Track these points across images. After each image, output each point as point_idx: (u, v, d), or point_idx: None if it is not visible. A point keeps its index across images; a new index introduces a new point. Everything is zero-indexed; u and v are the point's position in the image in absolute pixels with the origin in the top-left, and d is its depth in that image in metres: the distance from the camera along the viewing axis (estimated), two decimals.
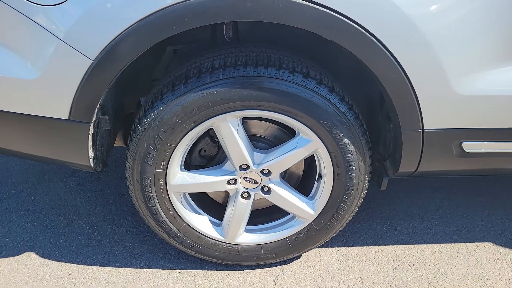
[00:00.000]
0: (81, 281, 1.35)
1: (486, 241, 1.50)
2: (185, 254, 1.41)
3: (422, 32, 0.97)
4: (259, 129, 1.23)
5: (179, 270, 1.39)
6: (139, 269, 1.40)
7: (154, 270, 1.39)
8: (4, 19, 0.98)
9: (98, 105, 1.04)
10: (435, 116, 1.09)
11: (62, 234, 1.54)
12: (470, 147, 1.17)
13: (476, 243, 1.49)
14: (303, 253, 1.40)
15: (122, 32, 0.93)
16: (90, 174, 1.83)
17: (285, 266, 1.40)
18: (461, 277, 1.36)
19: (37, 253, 1.45)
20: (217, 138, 1.21)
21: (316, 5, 0.92)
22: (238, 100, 1.04)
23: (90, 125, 1.08)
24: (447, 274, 1.37)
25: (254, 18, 0.92)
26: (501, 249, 1.47)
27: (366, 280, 1.35)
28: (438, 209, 1.65)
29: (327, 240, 1.35)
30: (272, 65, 1.04)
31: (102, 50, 0.96)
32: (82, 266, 1.41)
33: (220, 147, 1.24)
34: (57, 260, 1.43)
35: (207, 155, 1.27)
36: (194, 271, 1.38)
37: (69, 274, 1.37)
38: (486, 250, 1.46)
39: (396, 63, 1.00)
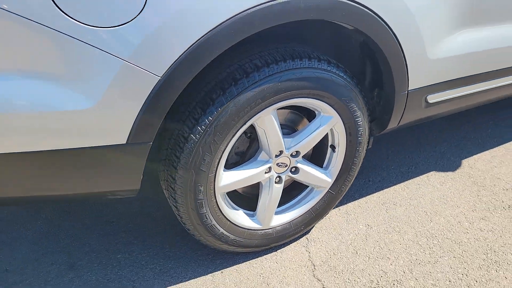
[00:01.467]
0: None
1: (431, 171, 1.93)
2: (217, 256, 1.45)
3: (409, 7, 1.23)
4: (281, 116, 1.35)
5: (220, 271, 1.42)
6: (180, 283, 1.38)
7: (195, 279, 1.39)
8: (51, 46, 0.87)
9: (162, 121, 1.02)
10: (415, 78, 1.39)
11: (71, 280, 1.38)
12: (432, 98, 1.51)
13: (425, 174, 1.91)
14: (323, 218, 1.58)
15: (197, 41, 0.94)
16: (52, 213, 1.64)
17: (307, 236, 1.56)
18: (431, 202, 1.74)
19: None
20: (249, 134, 1.29)
21: (359, 5, 1.10)
22: (284, 91, 1.15)
23: (150, 145, 1.04)
24: (421, 202, 1.74)
25: (306, 17, 1.04)
26: (443, 173, 1.92)
27: (372, 225, 1.62)
28: (388, 157, 2.03)
29: (339, 201, 1.57)
30: (305, 57, 1.18)
31: (172, 64, 0.95)
32: None
33: (250, 142, 1.32)
34: None
35: (239, 152, 1.33)
36: (234, 267, 1.44)
37: None
38: (435, 177, 1.89)
39: (393, 35, 1.23)
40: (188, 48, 0.95)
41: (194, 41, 0.95)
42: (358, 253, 1.49)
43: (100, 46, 0.89)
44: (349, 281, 1.38)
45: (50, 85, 0.90)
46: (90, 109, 0.94)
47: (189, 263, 1.45)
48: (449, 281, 1.38)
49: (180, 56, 0.95)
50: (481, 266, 1.43)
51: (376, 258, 1.47)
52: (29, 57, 0.88)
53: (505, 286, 1.36)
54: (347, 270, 1.42)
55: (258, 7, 0.97)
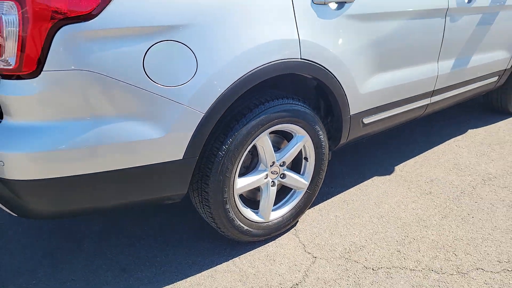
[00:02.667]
0: None
1: (374, 176, 2.60)
2: (233, 248, 1.95)
3: (344, 63, 1.92)
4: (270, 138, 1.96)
5: (238, 257, 1.93)
6: (210, 269, 1.86)
7: (221, 265, 1.88)
8: (141, 99, 1.42)
9: (204, 143, 1.58)
10: (353, 107, 2.08)
11: (126, 279, 1.81)
12: (366, 120, 2.21)
13: (370, 179, 2.58)
14: (304, 213, 2.16)
15: (223, 92, 1.54)
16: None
17: (295, 228, 2.12)
18: (377, 196, 2.39)
19: None
20: (251, 152, 1.88)
21: (314, 63, 1.77)
22: (274, 119, 1.76)
23: (196, 159, 1.59)
24: (370, 197, 2.38)
25: (287, 72, 1.69)
26: (382, 176, 2.59)
27: (339, 215, 2.22)
28: (342, 170, 2.69)
29: (314, 198, 2.16)
30: (284, 97, 1.81)
31: (210, 106, 1.53)
32: None
33: (252, 158, 1.90)
34: None
35: (245, 166, 1.90)
36: (246, 253, 1.94)
37: None
38: (377, 180, 2.56)
39: (337, 81, 1.91)
40: (219, 96, 1.54)
41: (223, 91, 1.54)
42: (333, 233, 2.07)
43: (170, 97, 1.46)
44: (330, 250, 1.95)
45: (137, 123, 1.44)
46: (162, 137, 1.48)
47: (213, 255, 1.94)
48: (396, 241, 2.00)
49: (214, 101, 1.53)
50: (415, 229, 2.08)
51: (346, 234, 2.06)
52: (123, 105, 1.42)
53: (433, 240, 2.00)
54: (327, 245, 1.99)
55: (260, 67, 1.60)
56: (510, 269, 1.82)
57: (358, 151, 2.95)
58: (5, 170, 1.36)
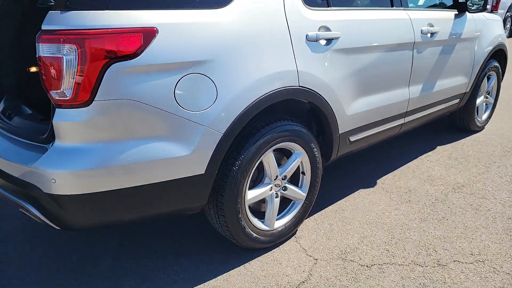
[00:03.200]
0: None
1: (360, 189, 2.92)
2: (242, 256, 2.19)
3: (333, 89, 2.26)
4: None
5: (248, 262, 2.16)
6: (226, 273, 2.08)
7: (235, 269, 2.10)
8: (171, 122, 1.68)
9: (222, 159, 1.84)
10: (341, 126, 2.39)
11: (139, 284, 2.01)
12: (352, 138, 2.53)
13: (357, 191, 2.89)
14: (302, 223, 2.42)
15: (238, 115, 1.82)
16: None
17: (295, 235, 2.38)
18: (363, 205, 2.70)
19: None
20: (258, 169, 2.14)
21: (310, 90, 2.09)
22: (278, 138, 2.05)
23: (216, 173, 1.85)
24: (358, 207, 2.68)
25: (288, 97, 1.99)
26: (367, 189, 2.91)
27: (333, 223, 2.50)
28: (332, 185, 2.99)
29: (310, 209, 2.43)
30: (285, 119, 2.11)
31: (227, 127, 1.80)
32: None
33: (258, 172, 2.17)
34: None
35: (252, 180, 2.16)
36: (255, 259, 2.18)
37: None
38: (363, 192, 2.87)
39: (328, 105, 2.24)
40: (235, 119, 1.81)
41: (237, 114, 1.82)
42: (329, 239, 2.35)
43: (195, 120, 1.72)
44: (328, 253, 2.22)
45: (168, 143, 1.69)
46: (189, 155, 1.74)
47: (225, 262, 2.16)
48: (384, 242, 2.30)
49: (231, 123, 1.80)
50: (400, 232, 2.38)
51: (341, 239, 2.34)
52: (157, 128, 1.67)
53: (415, 240, 2.31)
54: (325, 248, 2.26)
55: (267, 94, 1.90)
56: (481, 260, 2.14)
57: (344, 167, 3.27)
58: (56, 187, 1.57)
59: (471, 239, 2.32)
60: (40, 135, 1.72)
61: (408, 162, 3.39)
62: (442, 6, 3.36)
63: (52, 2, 2.46)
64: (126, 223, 1.87)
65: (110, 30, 1.49)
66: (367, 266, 2.11)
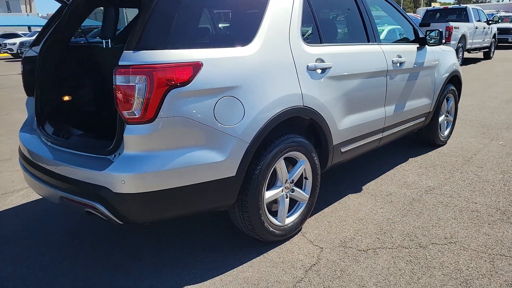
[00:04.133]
0: None
1: (349, 194, 3.43)
2: (261, 248, 2.62)
3: (328, 108, 2.79)
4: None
5: (266, 252, 2.59)
6: (248, 262, 2.49)
7: (257, 258, 2.52)
8: (211, 134, 2.13)
9: (247, 164, 2.30)
10: (334, 139, 2.91)
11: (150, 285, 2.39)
12: (342, 149, 3.06)
13: (347, 196, 3.39)
14: (306, 221, 2.88)
15: (260, 129, 2.30)
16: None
17: (301, 231, 2.84)
18: (354, 207, 3.20)
19: None
20: (272, 173, 2.61)
21: (311, 108, 2.61)
22: (288, 147, 2.54)
23: (243, 175, 2.30)
24: (350, 207, 3.18)
25: (295, 115, 2.50)
26: (355, 194, 3.42)
27: (331, 221, 2.97)
28: (327, 192, 3.48)
29: (312, 208, 2.90)
30: (292, 132, 2.61)
31: (252, 138, 2.27)
32: None
33: (272, 177, 2.63)
34: None
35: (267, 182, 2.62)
36: (271, 250, 2.61)
37: None
38: (352, 196, 3.38)
39: (325, 120, 2.76)
40: (257, 131, 2.29)
41: (259, 128, 2.30)
42: (330, 232, 2.82)
43: (228, 133, 2.19)
44: (331, 242, 2.68)
45: (209, 151, 2.15)
46: (224, 160, 2.19)
47: (246, 254, 2.57)
48: (375, 233, 2.79)
49: (255, 135, 2.28)
50: (386, 225, 2.89)
51: (339, 232, 2.82)
52: (201, 139, 2.12)
53: (400, 229, 2.82)
54: (328, 239, 2.72)
55: (281, 112, 2.40)
56: (453, 242, 2.67)
57: (336, 176, 3.78)
58: (125, 187, 1.99)
59: (444, 227, 2.85)
60: (103, 148, 2.14)
61: (387, 171, 3.95)
62: (406, 40, 4.04)
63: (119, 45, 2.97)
64: (173, 218, 2.28)
65: (170, 64, 1.97)
66: (363, 250, 2.59)
